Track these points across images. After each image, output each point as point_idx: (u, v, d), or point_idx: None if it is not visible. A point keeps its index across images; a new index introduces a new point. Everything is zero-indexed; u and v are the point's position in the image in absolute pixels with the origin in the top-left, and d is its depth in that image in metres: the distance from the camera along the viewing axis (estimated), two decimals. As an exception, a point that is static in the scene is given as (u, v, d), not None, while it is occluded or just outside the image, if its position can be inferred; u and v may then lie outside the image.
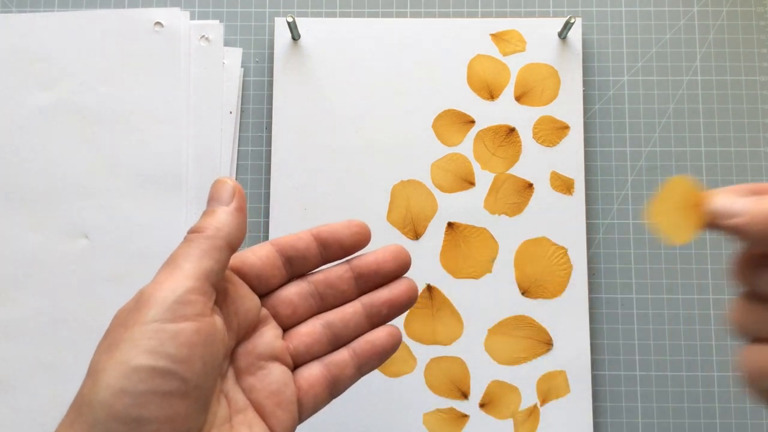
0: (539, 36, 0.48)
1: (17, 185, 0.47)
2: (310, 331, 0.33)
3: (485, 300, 0.46)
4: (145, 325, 0.27)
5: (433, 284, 0.46)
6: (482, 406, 0.45)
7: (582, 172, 0.47)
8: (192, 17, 0.49)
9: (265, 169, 0.48)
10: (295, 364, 0.33)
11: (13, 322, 0.46)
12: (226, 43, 0.49)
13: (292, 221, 0.47)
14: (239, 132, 0.49)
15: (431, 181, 0.47)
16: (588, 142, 0.48)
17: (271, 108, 0.48)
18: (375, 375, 0.45)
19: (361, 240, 0.34)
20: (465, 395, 0.45)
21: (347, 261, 0.34)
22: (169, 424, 0.26)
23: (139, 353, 0.26)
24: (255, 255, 0.33)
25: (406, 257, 0.34)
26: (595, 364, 0.46)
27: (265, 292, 0.33)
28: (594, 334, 0.46)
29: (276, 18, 0.49)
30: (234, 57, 0.49)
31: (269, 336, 0.32)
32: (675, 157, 0.48)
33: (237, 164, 0.48)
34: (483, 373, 0.45)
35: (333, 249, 0.34)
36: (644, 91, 0.49)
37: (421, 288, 0.46)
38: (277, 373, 0.31)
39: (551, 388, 0.45)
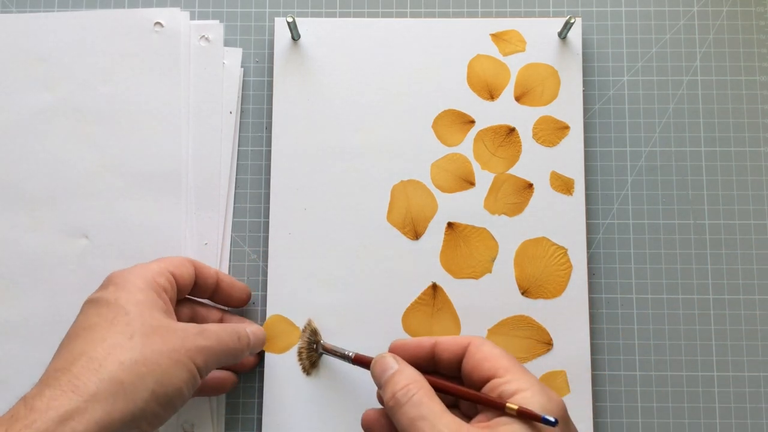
0: (539, 36, 0.48)
1: (17, 185, 0.47)
2: None
3: (485, 300, 0.46)
4: None
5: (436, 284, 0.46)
6: (482, 406, 0.45)
7: (582, 172, 0.47)
8: (192, 17, 0.49)
9: (265, 169, 0.48)
10: None
11: (13, 322, 0.46)
12: (226, 43, 0.49)
13: (292, 221, 0.47)
14: (239, 132, 0.49)
15: (431, 181, 0.47)
16: (588, 142, 0.48)
17: (271, 108, 0.48)
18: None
19: (242, 304, 0.46)
20: (465, 395, 0.45)
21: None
22: None
23: None
24: (187, 273, 0.42)
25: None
26: (595, 364, 0.46)
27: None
28: (594, 334, 0.46)
29: (276, 18, 0.49)
30: (234, 57, 0.49)
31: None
32: (675, 157, 0.48)
33: (237, 164, 0.48)
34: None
35: (221, 296, 0.44)
36: (644, 91, 0.49)
37: (425, 286, 0.46)
38: None
39: (551, 388, 0.45)
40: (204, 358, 0.37)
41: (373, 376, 0.39)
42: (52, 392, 0.32)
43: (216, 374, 0.44)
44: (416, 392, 0.35)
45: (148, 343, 0.35)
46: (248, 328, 0.42)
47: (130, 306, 0.36)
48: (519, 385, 0.35)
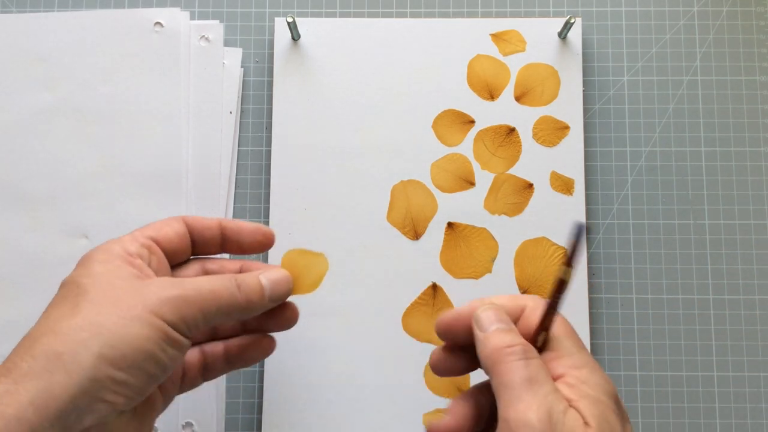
0: (539, 36, 0.48)
1: (17, 185, 0.47)
2: None
3: (485, 300, 0.46)
4: None
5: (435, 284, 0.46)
6: (482, 406, 0.45)
7: (582, 172, 0.47)
8: (192, 17, 0.49)
9: (265, 169, 0.48)
10: None
11: (13, 322, 0.46)
12: (226, 43, 0.49)
13: (292, 221, 0.47)
14: (239, 132, 0.49)
15: (431, 181, 0.47)
16: (588, 142, 0.48)
17: (271, 108, 0.48)
18: (374, 374, 0.45)
19: (261, 247, 0.39)
20: (465, 395, 0.45)
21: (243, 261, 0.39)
22: None
23: None
24: (173, 231, 0.37)
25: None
26: (595, 364, 0.46)
27: (173, 266, 0.38)
28: (594, 334, 0.46)
29: (276, 18, 0.49)
30: (234, 57, 0.49)
31: None
32: (675, 157, 0.48)
33: (237, 164, 0.48)
34: (483, 373, 0.45)
35: (231, 245, 0.38)
36: (644, 91, 0.49)
37: (425, 286, 0.46)
38: None
39: (551, 388, 0.45)
40: (174, 309, 0.32)
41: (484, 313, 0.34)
42: None
43: (246, 339, 0.39)
44: (538, 358, 0.32)
45: (94, 308, 0.32)
46: (263, 275, 0.36)
47: (84, 279, 0.33)
48: (573, 362, 0.32)
